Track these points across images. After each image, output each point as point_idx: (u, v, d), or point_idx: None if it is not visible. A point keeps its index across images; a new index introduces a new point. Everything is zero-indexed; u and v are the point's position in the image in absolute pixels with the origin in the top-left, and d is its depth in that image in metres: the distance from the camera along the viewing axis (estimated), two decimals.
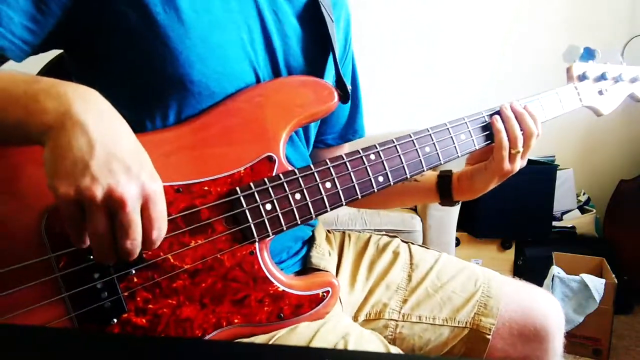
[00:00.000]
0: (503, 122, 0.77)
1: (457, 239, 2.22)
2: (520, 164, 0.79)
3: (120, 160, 0.46)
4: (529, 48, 2.60)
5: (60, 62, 0.71)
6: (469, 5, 2.62)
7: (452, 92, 2.66)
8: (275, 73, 0.71)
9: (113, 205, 0.46)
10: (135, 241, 0.47)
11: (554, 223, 2.36)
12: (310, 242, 0.83)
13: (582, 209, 2.51)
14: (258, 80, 0.68)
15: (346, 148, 0.94)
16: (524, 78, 2.61)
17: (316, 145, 0.88)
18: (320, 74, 0.76)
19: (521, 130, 0.77)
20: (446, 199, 0.85)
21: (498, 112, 0.79)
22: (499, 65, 2.65)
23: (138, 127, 0.59)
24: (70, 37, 0.61)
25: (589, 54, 0.90)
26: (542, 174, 2.24)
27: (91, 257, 0.55)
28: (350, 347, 0.62)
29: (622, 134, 2.66)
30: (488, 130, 0.79)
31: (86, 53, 0.63)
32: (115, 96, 0.51)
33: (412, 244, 0.92)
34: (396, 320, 0.82)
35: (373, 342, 0.66)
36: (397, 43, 2.66)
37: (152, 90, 0.62)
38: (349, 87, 0.74)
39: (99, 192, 0.45)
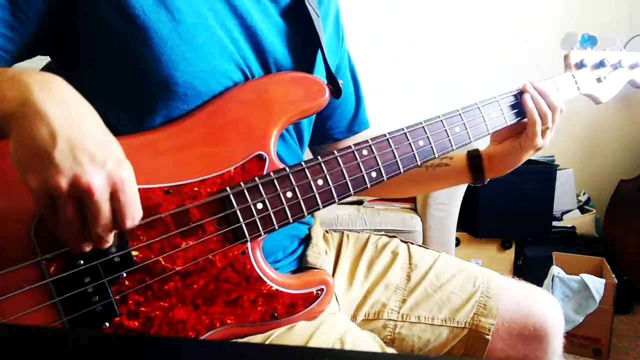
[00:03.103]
0: (532, 100, 0.80)
1: (457, 239, 2.21)
2: (549, 137, 0.82)
3: (85, 148, 0.45)
4: (531, 48, 2.60)
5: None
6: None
7: (463, 81, 2.67)
8: (265, 70, 0.69)
9: (80, 194, 0.45)
10: (105, 228, 0.47)
11: (554, 223, 2.35)
12: (306, 240, 0.83)
13: (582, 209, 2.50)
14: (246, 78, 0.67)
15: (357, 139, 0.92)
16: (529, 75, 2.61)
17: (325, 140, 0.90)
18: (309, 69, 0.75)
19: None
20: (478, 179, 0.86)
21: (522, 92, 0.81)
22: (506, 57, 2.65)
23: (126, 129, 0.59)
24: (52, 43, 0.61)
25: (588, 41, 0.88)
26: (542, 174, 2.23)
27: (81, 261, 0.54)
28: (347, 348, 0.61)
29: (622, 134, 2.65)
30: (517, 108, 0.81)
31: (70, 58, 0.63)
32: (102, 99, 0.51)
33: (412, 243, 0.92)
34: (395, 321, 0.82)
35: (369, 343, 0.66)
36: (407, 34, 2.66)
37: (138, 93, 0.61)
38: (341, 83, 0.73)
39: (63, 183, 0.44)
